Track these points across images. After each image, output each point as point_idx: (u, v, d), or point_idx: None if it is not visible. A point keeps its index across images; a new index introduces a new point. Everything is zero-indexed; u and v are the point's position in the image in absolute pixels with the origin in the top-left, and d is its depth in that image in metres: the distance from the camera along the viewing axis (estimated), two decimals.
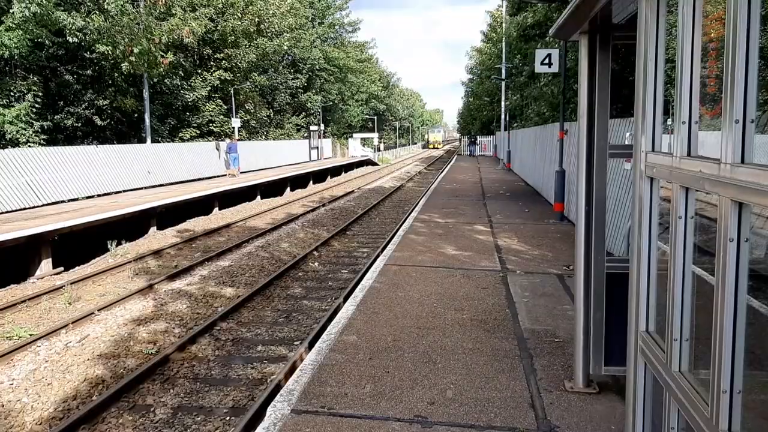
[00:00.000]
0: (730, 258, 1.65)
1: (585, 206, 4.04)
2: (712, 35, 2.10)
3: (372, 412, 3.76)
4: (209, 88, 28.13)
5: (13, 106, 17.17)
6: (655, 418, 2.49)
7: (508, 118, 34.18)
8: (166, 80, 24.45)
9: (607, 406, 3.81)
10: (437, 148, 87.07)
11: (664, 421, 2.22)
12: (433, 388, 4.09)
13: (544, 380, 4.23)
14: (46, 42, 17.56)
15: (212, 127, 29.14)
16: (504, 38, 34.34)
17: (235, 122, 27.99)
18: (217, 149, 25.80)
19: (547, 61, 11.67)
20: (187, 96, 26.65)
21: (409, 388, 4.11)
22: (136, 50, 18.15)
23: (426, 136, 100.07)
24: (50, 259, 10.96)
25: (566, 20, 3.77)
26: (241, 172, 25.17)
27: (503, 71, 33.95)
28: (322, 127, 42.74)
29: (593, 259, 4.01)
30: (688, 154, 2.04)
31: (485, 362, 4.56)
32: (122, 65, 18.83)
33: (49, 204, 15.33)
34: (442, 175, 28.35)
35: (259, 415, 4.94)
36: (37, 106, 18.03)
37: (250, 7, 29.25)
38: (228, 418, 5.24)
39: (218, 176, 24.93)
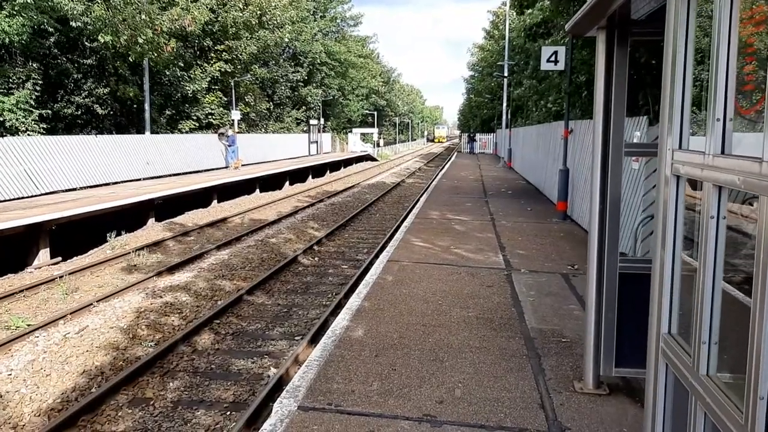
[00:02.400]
0: None
1: (599, 205, 3.97)
2: (751, 30, 2.03)
3: (380, 410, 3.69)
4: (209, 79, 27.91)
5: (12, 94, 17.00)
6: (676, 421, 2.44)
7: (509, 116, 34.09)
8: (166, 71, 24.24)
9: (618, 408, 3.76)
10: (441, 142, 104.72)
11: (689, 425, 2.16)
12: (441, 387, 4.03)
13: (553, 380, 4.17)
14: (50, 29, 17.35)
15: (211, 120, 28.95)
16: (507, 35, 34.26)
17: (235, 114, 27.79)
18: (220, 140, 25.62)
19: (553, 58, 11.58)
20: (186, 87, 26.43)
21: (416, 386, 4.05)
22: (140, 40, 17.95)
23: (428, 132, 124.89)
24: (48, 249, 10.87)
25: (584, 15, 3.70)
26: (242, 165, 25.05)
27: (505, 68, 33.85)
28: (322, 121, 42.57)
29: (606, 259, 3.95)
30: (722, 152, 1.97)
31: (493, 361, 4.51)
32: (129, 54, 18.62)
33: (47, 193, 15.19)
34: (443, 171, 28.27)
35: (260, 410, 4.89)
36: (36, 93, 17.84)
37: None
38: (228, 412, 5.18)
39: (217, 168, 24.79)
